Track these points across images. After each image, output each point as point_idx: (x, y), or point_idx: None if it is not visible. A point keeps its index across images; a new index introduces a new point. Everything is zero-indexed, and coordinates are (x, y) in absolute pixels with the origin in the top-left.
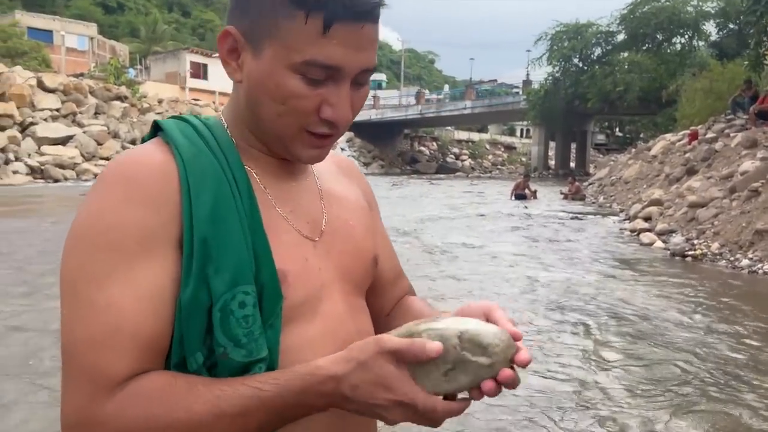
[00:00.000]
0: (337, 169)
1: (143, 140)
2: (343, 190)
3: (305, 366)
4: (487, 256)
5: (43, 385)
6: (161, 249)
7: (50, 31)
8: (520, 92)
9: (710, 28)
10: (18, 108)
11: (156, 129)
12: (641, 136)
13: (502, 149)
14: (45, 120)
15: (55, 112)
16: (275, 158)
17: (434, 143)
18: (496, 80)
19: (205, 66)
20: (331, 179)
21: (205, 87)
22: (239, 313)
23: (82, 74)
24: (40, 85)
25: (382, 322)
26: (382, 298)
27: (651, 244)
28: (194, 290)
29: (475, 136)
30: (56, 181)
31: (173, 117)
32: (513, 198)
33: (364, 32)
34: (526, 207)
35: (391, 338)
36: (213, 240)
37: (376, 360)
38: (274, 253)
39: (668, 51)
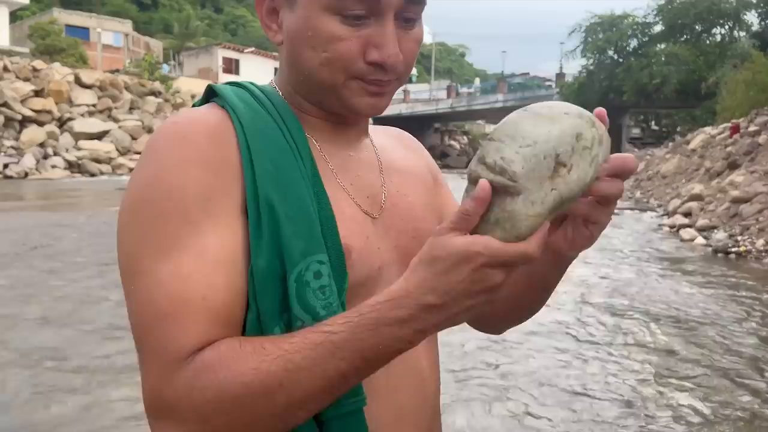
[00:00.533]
0: (397, 142)
1: (194, 106)
2: (405, 162)
3: (368, 301)
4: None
5: (81, 376)
6: (226, 213)
7: (87, 29)
8: (554, 85)
9: (752, 18)
10: (56, 104)
11: (209, 95)
12: (678, 129)
13: None
14: (82, 115)
15: (92, 108)
16: (333, 123)
17: (465, 137)
18: (528, 73)
19: (237, 61)
20: (391, 151)
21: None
22: (315, 284)
23: (117, 70)
24: (78, 81)
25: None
26: None
27: (691, 240)
28: (268, 258)
29: None
30: (92, 175)
31: (228, 82)
32: None
33: None
34: None
35: (441, 226)
36: (280, 204)
37: (438, 246)
38: (339, 226)
39: (708, 42)
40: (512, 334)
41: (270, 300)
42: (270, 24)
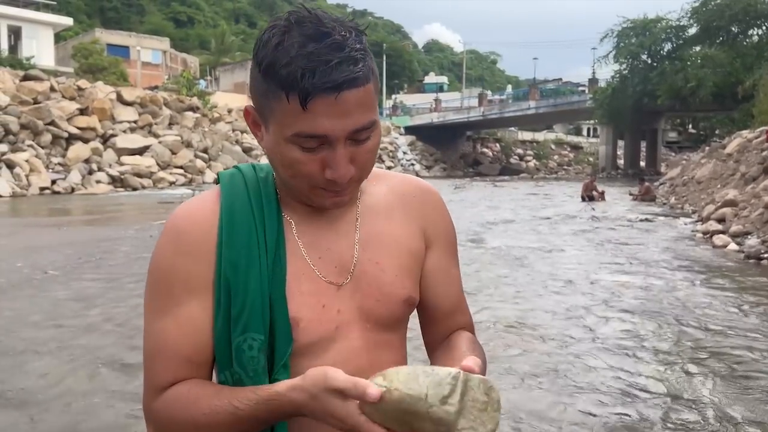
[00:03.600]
0: (400, 201)
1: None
2: (389, 228)
3: (270, 390)
4: (553, 260)
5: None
6: (201, 289)
7: (127, 47)
8: (586, 91)
9: None
10: (100, 121)
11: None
12: (716, 132)
13: (569, 149)
14: (124, 132)
15: (133, 124)
16: (313, 208)
17: (497, 144)
18: (560, 79)
19: None
20: (379, 217)
21: None
22: (249, 353)
23: (156, 87)
24: (119, 99)
25: (432, 353)
26: (436, 328)
27: (724, 246)
28: (222, 325)
29: (540, 137)
30: (134, 189)
31: (235, 166)
32: (582, 199)
33: (343, 100)
34: (593, 209)
35: (337, 377)
36: (234, 285)
37: (324, 395)
38: (291, 301)
39: (744, 44)
40: (539, 336)
41: (221, 354)
42: (256, 131)
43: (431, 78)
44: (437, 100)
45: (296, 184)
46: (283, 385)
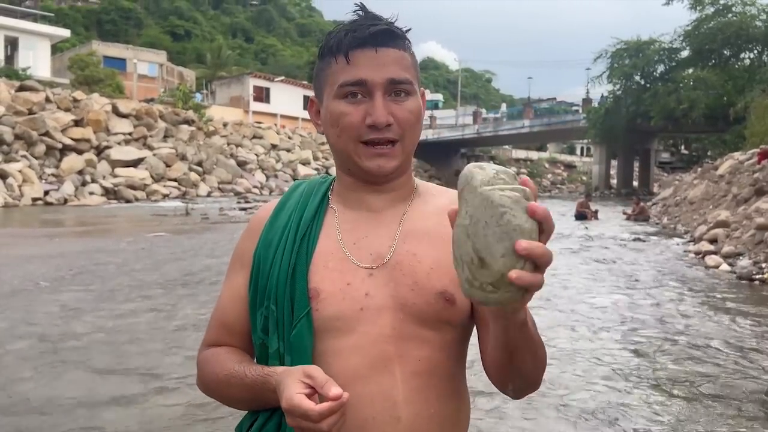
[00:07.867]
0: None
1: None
2: (435, 228)
3: (269, 369)
4: (546, 278)
5: (132, 389)
6: (248, 264)
7: (124, 60)
8: (580, 110)
9: None
10: (94, 132)
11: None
12: (708, 154)
13: (562, 168)
14: (118, 144)
15: (128, 136)
16: (362, 191)
17: (491, 162)
18: (555, 98)
19: (267, 90)
20: (427, 219)
21: (267, 110)
22: (268, 320)
23: (152, 99)
24: (115, 111)
25: (484, 357)
26: (487, 330)
27: (716, 266)
28: (252, 295)
29: (534, 155)
30: (128, 201)
31: (314, 177)
32: (575, 218)
33: (381, 54)
34: (586, 228)
35: (313, 368)
36: (264, 261)
37: (289, 374)
38: (314, 274)
39: (736, 67)
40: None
41: (252, 320)
42: (316, 120)
43: (426, 95)
44: (432, 117)
45: (343, 143)
46: (279, 368)
